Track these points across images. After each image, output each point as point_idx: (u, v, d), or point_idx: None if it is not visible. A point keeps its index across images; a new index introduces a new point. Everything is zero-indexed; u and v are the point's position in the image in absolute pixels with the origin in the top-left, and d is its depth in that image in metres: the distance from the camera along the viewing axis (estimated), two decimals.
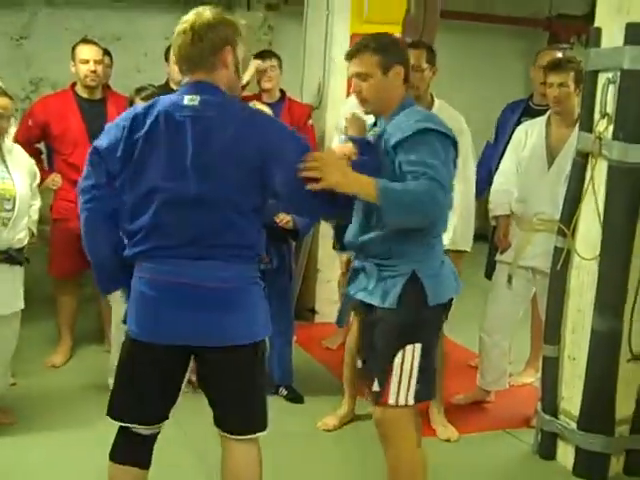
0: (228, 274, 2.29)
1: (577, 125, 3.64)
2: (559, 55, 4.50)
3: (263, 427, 2.42)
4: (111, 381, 3.92)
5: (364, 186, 2.38)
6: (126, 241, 2.38)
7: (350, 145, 2.62)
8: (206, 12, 2.32)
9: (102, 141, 2.39)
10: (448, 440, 3.67)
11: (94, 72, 4.34)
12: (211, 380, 2.42)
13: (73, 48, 4.42)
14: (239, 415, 2.41)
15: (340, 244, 3.13)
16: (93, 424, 3.63)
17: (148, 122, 2.29)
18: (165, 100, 2.34)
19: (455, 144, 2.62)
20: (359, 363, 2.89)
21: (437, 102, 3.72)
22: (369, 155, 2.58)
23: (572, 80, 3.70)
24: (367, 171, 2.42)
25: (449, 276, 2.70)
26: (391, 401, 2.62)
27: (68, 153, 4.37)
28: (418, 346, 2.61)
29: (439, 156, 2.50)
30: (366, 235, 2.64)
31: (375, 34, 2.77)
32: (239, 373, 2.37)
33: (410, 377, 2.61)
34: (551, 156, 3.82)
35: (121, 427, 2.46)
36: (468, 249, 3.76)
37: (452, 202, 2.62)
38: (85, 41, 4.49)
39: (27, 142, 4.32)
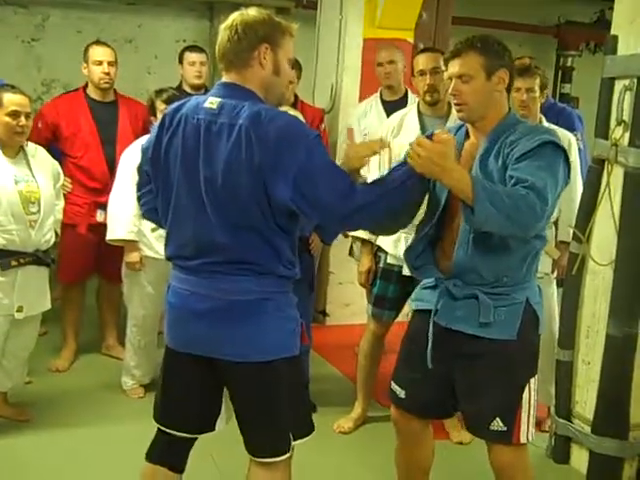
0: (232, 286, 2.20)
1: None
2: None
3: (277, 452, 2.28)
4: (125, 380, 4.01)
5: (460, 180, 2.18)
6: None
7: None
8: (251, 11, 2.25)
9: (146, 140, 2.38)
10: (461, 443, 3.68)
11: (107, 74, 4.26)
12: (230, 395, 2.36)
13: (86, 49, 4.35)
14: (253, 435, 2.31)
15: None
16: (107, 422, 3.69)
17: (173, 124, 2.24)
18: (192, 102, 2.26)
19: (569, 162, 2.40)
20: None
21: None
22: None
23: (537, 86, 3.72)
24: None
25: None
26: (523, 439, 2.46)
27: (79, 156, 4.32)
28: (536, 377, 2.49)
29: (555, 174, 2.29)
30: (480, 258, 2.38)
31: (481, 35, 2.49)
32: (249, 391, 2.27)
33: (533, 411, 2.48)
34: None
35: (159, 427, 2.44)
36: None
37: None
38: (98, 42, 4.43)
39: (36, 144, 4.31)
